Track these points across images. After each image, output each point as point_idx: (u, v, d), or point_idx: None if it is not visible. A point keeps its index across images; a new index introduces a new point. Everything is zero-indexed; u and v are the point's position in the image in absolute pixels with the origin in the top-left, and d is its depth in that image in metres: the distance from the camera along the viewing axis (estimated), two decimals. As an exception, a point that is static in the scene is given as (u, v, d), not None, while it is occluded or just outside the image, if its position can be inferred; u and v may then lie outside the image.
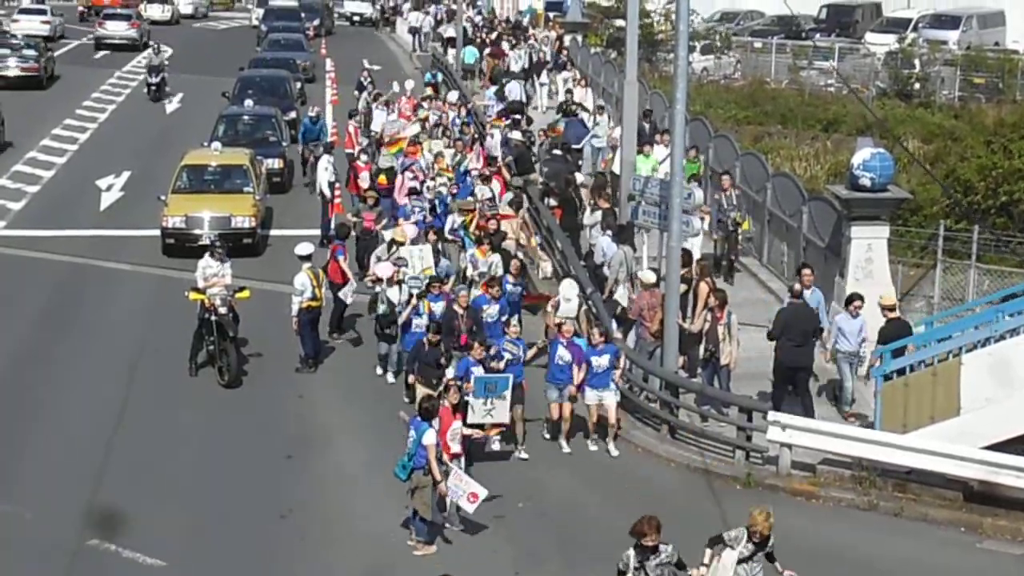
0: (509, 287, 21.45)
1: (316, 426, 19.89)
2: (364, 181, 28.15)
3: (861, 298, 20.09)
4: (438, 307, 20.37)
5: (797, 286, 20.50)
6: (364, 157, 29.55)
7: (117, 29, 58.47)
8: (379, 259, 22.38)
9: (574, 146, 34.25)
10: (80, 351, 22.49)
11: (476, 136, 32.41)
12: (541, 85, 42.68)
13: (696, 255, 22.48)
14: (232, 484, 17.81)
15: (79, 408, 20.17)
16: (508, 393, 17.81)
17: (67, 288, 25.85)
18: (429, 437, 15.76)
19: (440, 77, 42.56)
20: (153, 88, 45.84)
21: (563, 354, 18.82)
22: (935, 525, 17.52)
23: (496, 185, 26.79)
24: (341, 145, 35.21)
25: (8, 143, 37.64)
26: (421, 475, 15.81)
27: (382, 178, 28.64)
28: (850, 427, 18.78)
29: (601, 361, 18.72)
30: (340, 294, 22.55)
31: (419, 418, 15.98)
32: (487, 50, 47.83)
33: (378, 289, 21.35)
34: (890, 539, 16.99)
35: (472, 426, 17.40)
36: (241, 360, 21.61)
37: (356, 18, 75.12)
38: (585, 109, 35.05)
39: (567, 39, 47.39)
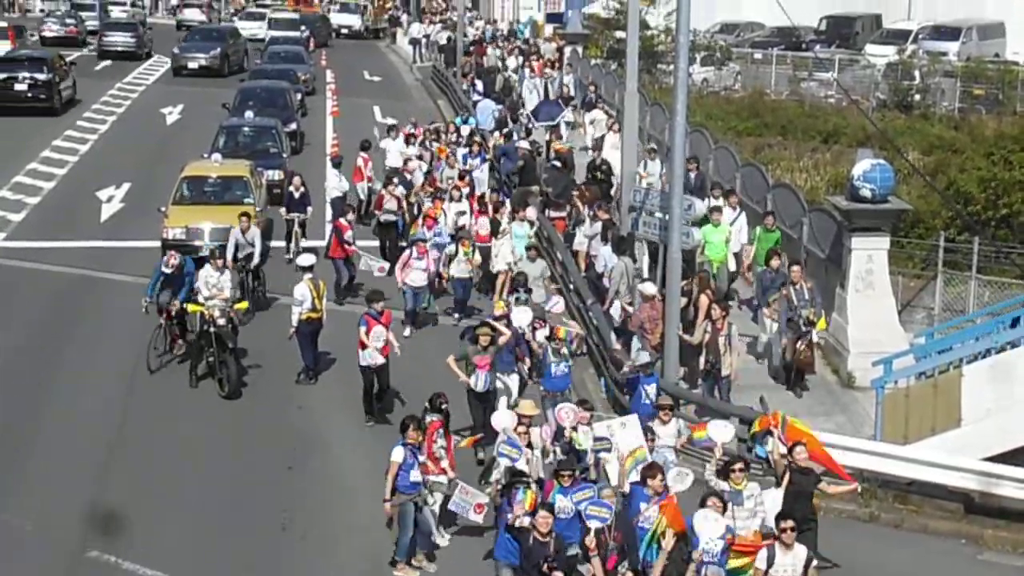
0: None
1: (316, 437, 19.86)
2: (351, 246, 25.27)
3: None
4: (567, 503, 14.56)
5: None
6: (350, 216, 26.06)
7: (193, 15, 73.46)
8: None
9: (549, 124, 34.12)
10: (80, 362, 22.47)
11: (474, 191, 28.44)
12: (567, 123, 37.48)
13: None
14: (232, 495, 17.79)
15: (79, 418, 20.13)
16: None
17: (67, 299, 25.84)
18: (395, 454, 15.61)
19: (473, 122, 36.25)
20: None
21: (709, 547, 13.80)
22: (936, 536, 17.53)
23: (484, 222, 25.96)
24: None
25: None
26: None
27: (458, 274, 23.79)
28: (851, 438, 18.75)
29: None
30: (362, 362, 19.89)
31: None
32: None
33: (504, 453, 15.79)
34: (891, 550, 16.98)
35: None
36: (241, 372, 21.59)
37: (344, 30, 74.76)
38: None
39: (567, 51, 47.39)
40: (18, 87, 43.88)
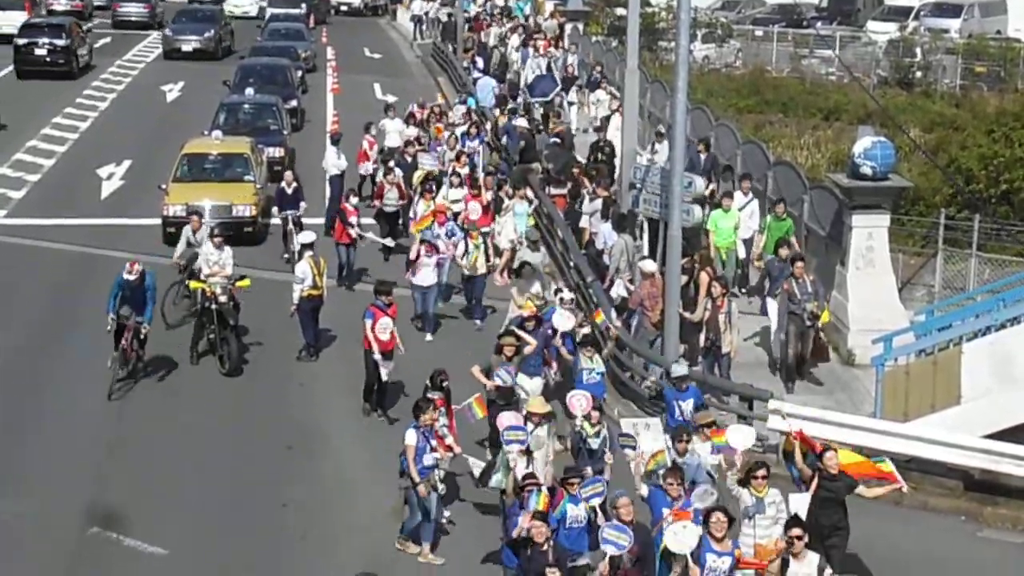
0: None
1: (316, 415, 19.89)
2: (354, 229, 24.77)
3: None
4: (578, 511, 14.18)
5: None
6: (354, 200, 25.48)
7: None
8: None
9: (542, 99, 34.00)
10: (81, 339, 22.43)
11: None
12: (570, 104, 36.70)
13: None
14: (233, 473, 17.82)
15: (80, 397, 20.16)
16: None
17: (68, 277, 25.85)
18: (409, 437, 15.51)
19: (472, 102, 35.58)
20: None
21: (715, 565, 13.24)
22: (935, 513, 17.57)
23: (476, 207, 25.42)
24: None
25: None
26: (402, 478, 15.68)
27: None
28: (851, 415, 18.77)
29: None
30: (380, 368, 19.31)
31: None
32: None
33: (510, 454, 15.19)
34: (890, 527, 16.98)
35: None
36: (242, 349, 21.61)
37: (344, 7, 73.99)
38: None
39: (568, 27, 47.23)
40: (38, 51, 46.54)
